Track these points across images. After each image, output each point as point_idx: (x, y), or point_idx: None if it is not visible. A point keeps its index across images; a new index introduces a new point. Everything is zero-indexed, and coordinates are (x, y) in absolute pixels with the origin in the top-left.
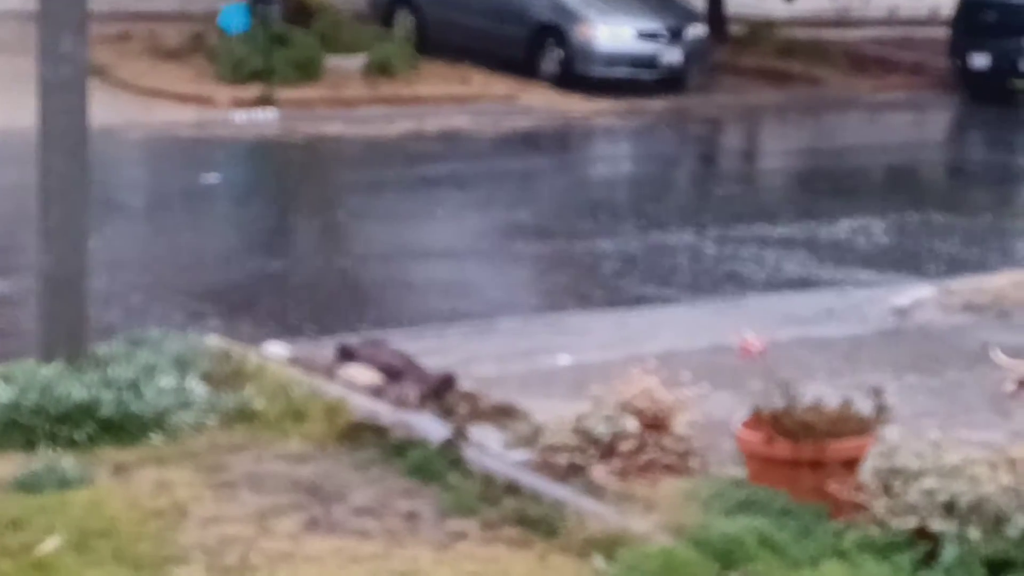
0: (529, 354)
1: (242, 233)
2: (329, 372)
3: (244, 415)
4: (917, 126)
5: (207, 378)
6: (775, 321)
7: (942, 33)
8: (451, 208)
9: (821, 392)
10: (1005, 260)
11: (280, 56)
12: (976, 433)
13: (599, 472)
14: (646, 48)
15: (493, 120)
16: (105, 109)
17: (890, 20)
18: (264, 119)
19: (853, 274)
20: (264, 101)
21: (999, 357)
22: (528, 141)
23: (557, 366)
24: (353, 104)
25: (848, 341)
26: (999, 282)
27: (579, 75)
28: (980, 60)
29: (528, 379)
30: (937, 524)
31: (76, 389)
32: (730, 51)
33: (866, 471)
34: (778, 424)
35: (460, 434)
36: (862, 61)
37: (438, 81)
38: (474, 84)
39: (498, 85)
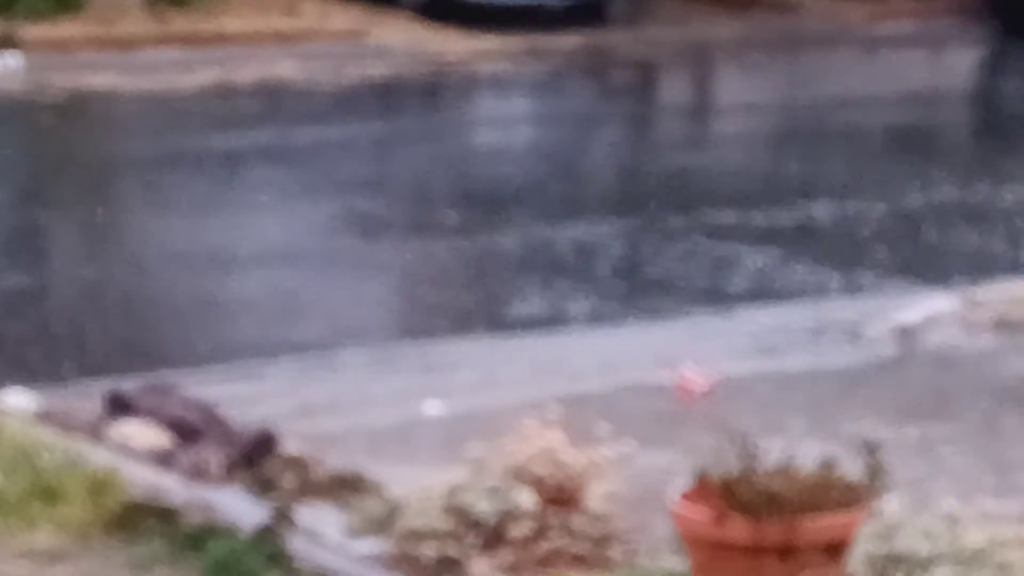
0: (383, 400)
1: None
2: (95, 431)
3: None
4: (931, 70)
5: None
6: (728, 348)
7: None
8: (274, 193)
9: (793, 448)
10: None
11: None
12: (1008, 503)
13: (481, 568)
14: None
15: (333, 67)
16: None
17: None
18: (4, 68)
19: (840, 279)
20: (4, 43)
21: None
22: (383, 97)
23: (423, 417)
24: (132, 45)
25: (832, 375)
26: None
27: (456, 1)
28: None
29: (382, 436)
30: None
31: None
32: None
33: (856, 558)
34: (732, 495)
35: (283, 517)
36: None
37: (253, 11)
38: (305, 15)
39: (340, 16)
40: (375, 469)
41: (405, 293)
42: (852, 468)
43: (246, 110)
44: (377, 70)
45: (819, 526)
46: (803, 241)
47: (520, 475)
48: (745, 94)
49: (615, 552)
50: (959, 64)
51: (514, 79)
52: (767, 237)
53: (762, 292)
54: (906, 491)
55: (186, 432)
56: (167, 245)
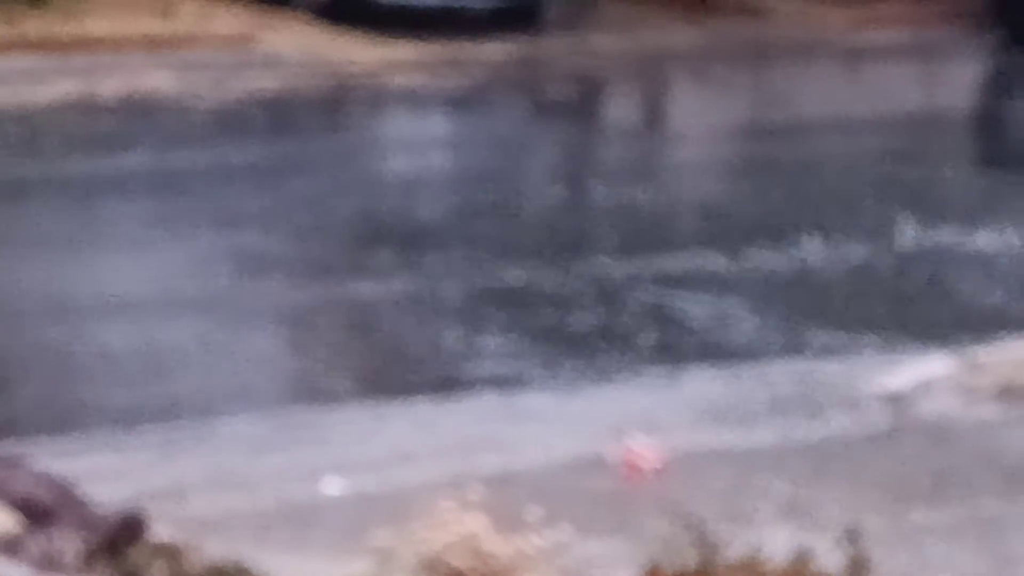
0: (272, 477)
1: None
2: None
3: None
4: (926, 87)
5: None
6: (683, 417)
7: None
8: (143, 228)
9: (760, 537)
10: None
11: None
12: None
13: None
14: None
15: (215, 78)
16: None
17: None
18: None
19: (817, 336)
20: None
21: None
22: (274, 114)
23: (320, 497)
24: None
25: (807, 450)
26: None
27: (361, 1)
28: None
29: (272, 519)
30: None
31: None
32: None
33: None
34: None
35: None
36: None
37: (120, 12)
38: (183, 17)
39: (223, 18)
40: (262, 559)
41: (299, 349)
42: (830, 561)
43: (111, 129)
44: (267, 82)
45: None
46: (773, 291)
47: (435, 567)
48: (705, 115)
49: None
50: (959, 80)
51: (431, 94)
52: (731, 286)
53: (724, 351)
54: None
55: (36, 514)
56: (14, 290)
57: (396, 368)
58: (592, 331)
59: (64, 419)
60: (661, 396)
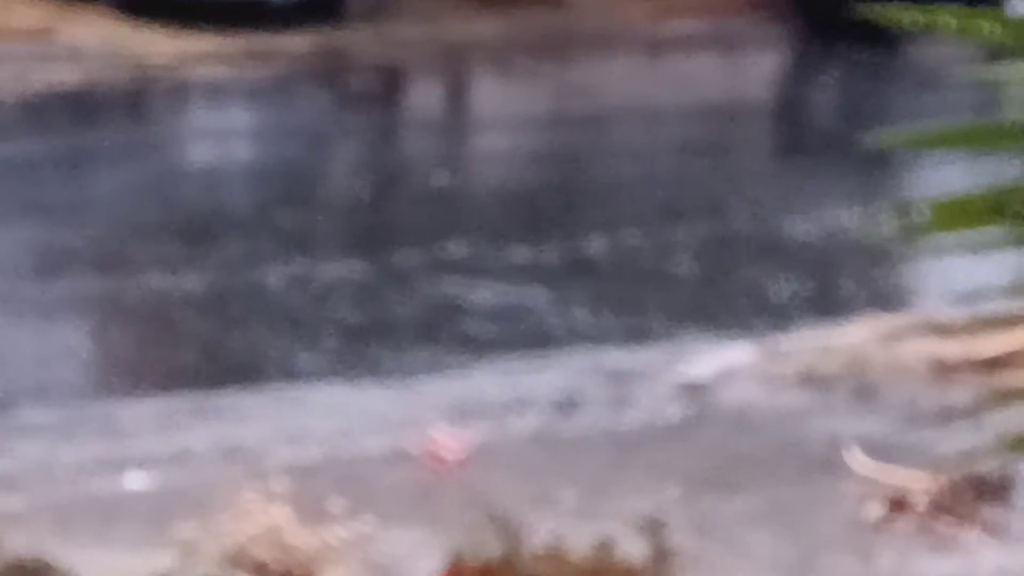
0: (73, 471)
1: None
2: None
3: None
4: (725, 77)
5: None
6: (486, 407)
7: None
8: None
9: (563, 526)
10: (866, 299)
11: None
12: None
13: None
14: None
15: (14, 71)
16: None
17: None
18: None
19: (617, 324)
20: None
21: (858, 461)
22: (75, 107)
23: (122, 490)
24: None
25: (609, 439)
26: (856, 337)
27: None
28: None
29: (72, 513)
30: None
31: None
32: None
33: None
34: None
35: None
36: None
37: None
38: None
39: (22, 11)
40: (64, 553)
41: (98, 342)
42: (633, 550)
43: None
44: (68, 75)
45: None
46: (574, 280)
47: (239, 560)
48: (507, 105)
49: None
50: (757, 70)
51: (232, 86)
52: (532, 275)
53: (526, 340)
54: None
55: None
56: None
57: (198, 361)
58: (395, 322)
59: None
60: (463, 386)
